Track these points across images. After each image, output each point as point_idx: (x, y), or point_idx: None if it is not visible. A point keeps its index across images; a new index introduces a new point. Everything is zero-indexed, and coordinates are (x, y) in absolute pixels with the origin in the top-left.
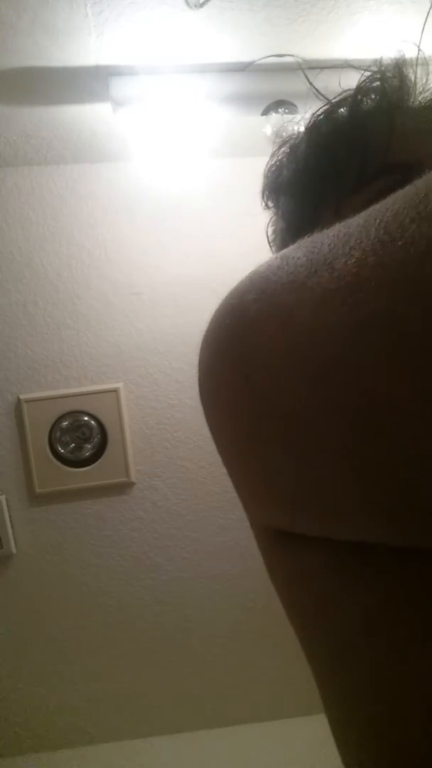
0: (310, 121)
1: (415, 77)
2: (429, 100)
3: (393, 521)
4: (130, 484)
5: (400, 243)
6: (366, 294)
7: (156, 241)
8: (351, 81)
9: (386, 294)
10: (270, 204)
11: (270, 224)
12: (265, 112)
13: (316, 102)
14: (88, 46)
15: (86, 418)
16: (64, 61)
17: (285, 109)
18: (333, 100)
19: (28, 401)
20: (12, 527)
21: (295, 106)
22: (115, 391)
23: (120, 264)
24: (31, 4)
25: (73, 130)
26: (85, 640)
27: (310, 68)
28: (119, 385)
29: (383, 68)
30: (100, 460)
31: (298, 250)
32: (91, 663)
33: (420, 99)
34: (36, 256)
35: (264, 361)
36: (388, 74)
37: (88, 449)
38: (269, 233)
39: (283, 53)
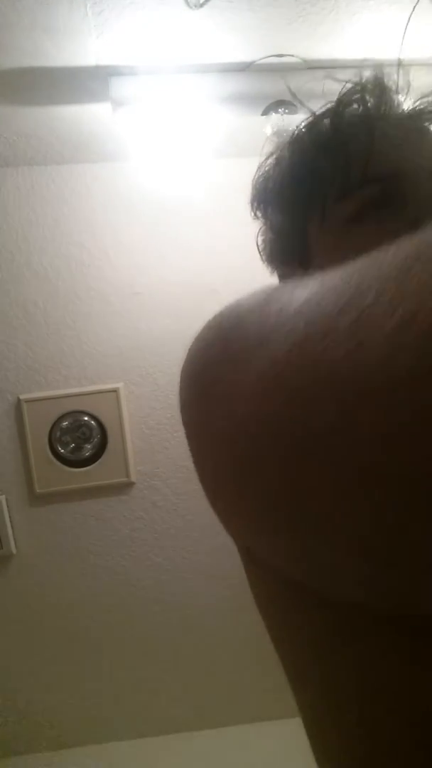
0: (294, 133)
1: (397, 86)
2: (410, 109)
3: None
4: (130, 484)
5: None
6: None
7: (156, 241)
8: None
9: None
10: (258, 214)
11: (259, 234)
12: (266, 112)
13: (316, 102)
14: (87, 46)
15: (86, 418)
16: (64, 61)
17: (285, 109)
18: (316, 112)
19: (28, 401)
20: (12, 527)
21: (295, 106)
22: (115, 391)
23: (120, 264)
24: (31, 4)
25: (73, 130)
26: (85, 640)
27: (310, 68)
28: (119, 385)
29: (364, 80)
30: (100, 460)
31: (266, 307)
32: (90, 663)
33: (401, 107)
34: (36, 256)
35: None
36: (369, 86)
37: (88, 449)
38: (259, 243)
39: (283, 53)
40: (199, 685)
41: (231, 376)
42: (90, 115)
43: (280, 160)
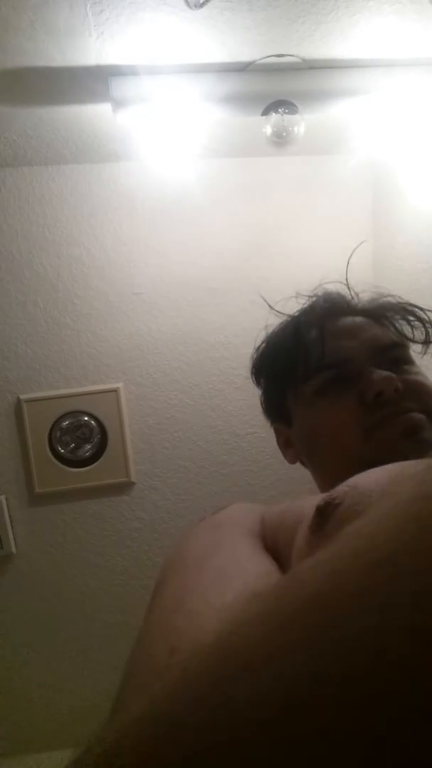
0: (271, 332)
1: (350, 289)
2: (361, 307)
3: None
4: (130, 484)
5: None
6: None
7: (156, 241)
8: (351, 81)
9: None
10: (255, 380)
11: (260, 396)
12: (265, 112)
13: (316, 103)
14: (88, 46)
15: (86, 418)
16: (65, 62)
17: (285, 109)
18: (285, 318)
19: (28, 401)
20: (12, 527)
21: (295, 106)
22: (115, 391)
23: (120, 264)
24: (31, 4)
25: (74, 130)
26: (85, 640)
27: (310, 68)
28: (119, 385)
29: (318, 295)
30: (100, 460)
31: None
32: (91, 663)
33: (352, 306)
34: (36, 256)
35: None
36: (321, 299)
37: (88, 449)
38: (261, 402)
39: (283, 53)
40: None
41: None
42: (90, 115)
43: (265, 347)
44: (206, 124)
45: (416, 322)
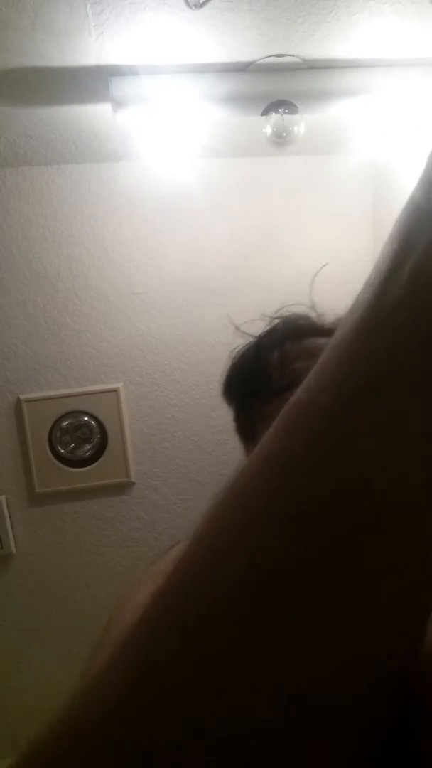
0: (235, 355)
1: (315, 309)
2: (326, 327)
3: None
4: (130, 484)
5: None
6: None
7: (156, 241)
8: (351, 81)
9: None
10: (227, 401)
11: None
12: (265, 112)
13: (316, 103)
14: (88, 46)
15: (86, 418)
16: (65, 61)
17: (285, 109)
18: (248, 342)
19: (28, 401)
20: (12, 527)
21: (295, 106)
22: (115, 391)
23: (120, 264)
24: (31, 4)
25: (74, 130)
26: (85, 640)
27: (310, 68)
28: (119, 385)
29: (282, 316)
30: (100, 460)
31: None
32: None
33: (315, 327)
34: (36, 256)
35: None
36: (283, 322)
37: (88, 449)
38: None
39: (283, 53)
40: None
41: None
42: (90, 115)
43: (231, 367)
44: (206, 124)
45: None
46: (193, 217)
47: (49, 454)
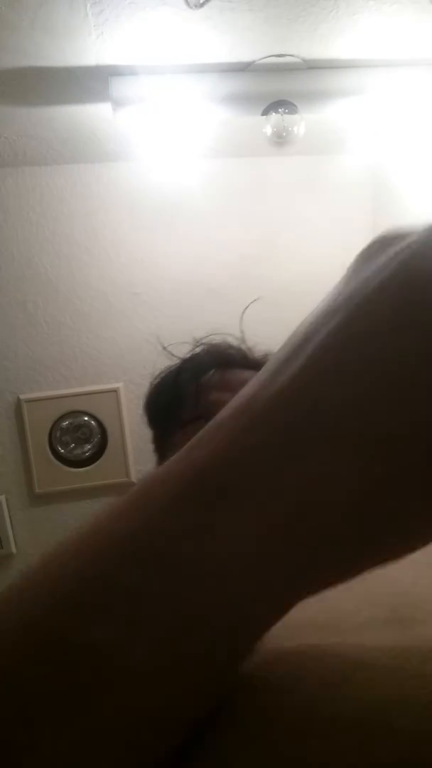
0: (155, 378)
1: (243, 341)
2: (251, 359)
3: None
4: (130, 484)
5: None
6: None
7: (156, 241)
8: (351, 81)
9: None
10: (147, 423)
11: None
12: (266, 112)
13: (316, 103)
14: (88, 46)
15: (86, 418)
16: (64, 61)
17: (285, 109)
18: (166, 370)
19: (28, 401)
20: (12, 527)
21: (295, 106)
22: (115, 391)
23: (120, 264)
24: (31, 4)
25: (74, 130)
26: None
27: (310, 68)
28: (119, 385)
29: (208, 344)
30: (100, 460)
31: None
32: None
33: (242, 357)
34: (36, 256)
35: None
36: (207, 350)
37: (88, 449)
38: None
39: (283, 53)
40: None
41: None
42: (90, 115)
43: (151, 390)
44: (206, 124)
45: None
46: (193, 217)
47: (49, 454)
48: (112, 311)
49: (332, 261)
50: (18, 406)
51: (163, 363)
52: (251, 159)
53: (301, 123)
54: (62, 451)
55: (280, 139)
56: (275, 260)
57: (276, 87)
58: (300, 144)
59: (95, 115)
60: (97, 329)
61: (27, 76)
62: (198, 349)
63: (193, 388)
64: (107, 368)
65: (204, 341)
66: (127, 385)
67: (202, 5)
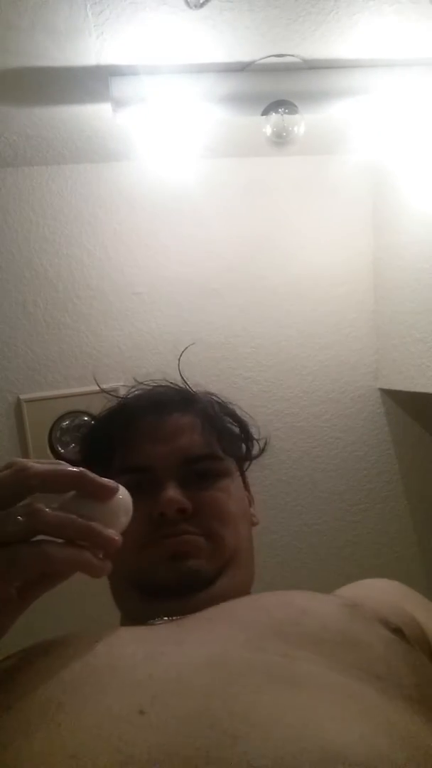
0: (81, 433)
1: (186, 384)
2: (192, 406)
3: None
4: None
5: None
6: None
7: (156, 241)
8: (351, 81)
9: None
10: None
11: None
12: (265, 112)
13: (316, 103)
14: (88, 46)
15: (86, 418)
16: (65, 61)
17: (285, 109)
18: (95, 420)
19: (28, 401)
20: None
21: (295, 106)
22: (115, 391)
23: (120, 264)
24: (31, 4)
25: (74, 130)
26: None
27: (310, 68)
28: (119, 385)
29: (147, 386)
30: None
31: None
32: None
33: (181, 402)
34: (36, 256)
35: None
36: (145, 395)
37: None
38: None
39: (283, 53)
40: None
41: None
42: (90, 115)
43: (86, 432)
44: (206, 124)
45: (239, 434)
46: (193, 217)
47: (49, 454)
48: (112, 311)
49: (332, 261)
50: (18, 406)
51: (163, 364)
52: (251, 159)
53: (301, 123)
54: (62, 451)
55: (280, 139)
56: (275, 260)
57: (276, 87)
58: (300, 144)
59: (95, 114)
60: (97, 329)
61: (27, 76)
62: (137, 392)
63: (124, 436)
64: (107, 368)
65: (144, 383)
66: (127, 385)
67: (202, 5)
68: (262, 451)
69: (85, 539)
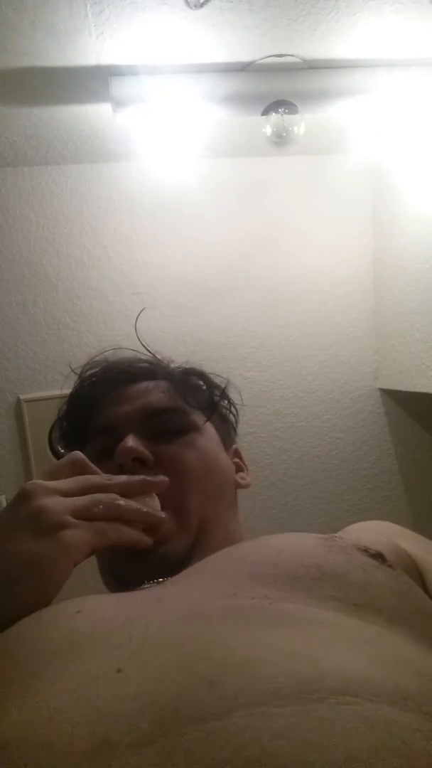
0: (61, 406)
1: (152, 354)
2: (157, 371)
3: None
4: None
5: None
6: None
7: (156, 241)
8: (351, 81)
9: None
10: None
11: None
12: (266, 112)
13: (316, 103)
14: (88, 46)
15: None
16: (65, 61)
17: (285, 109)
18: (71, 391)
19: (28, 401)
20: None
21: (295, 106)
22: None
23: (120, 264)
24: (31, 4)
25: (74, 130)
26: None
27: (310, 68)
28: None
29: (109, 360)
30: None
31: None
32: None
33: (144, 369)
34: (36, 256)
35: None
36: (109, 366)
37: None
38: None
39: (283, 53)
40: None
41: None
42: (90, 115)
43: (61, 410)
44: (206, 124)
45: (203, 386)
46: (193, 217)
47: (50, 454)
48: (112, 311)
49: (332, 261)
50: (18, 406)
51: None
52: (251, 159)
53: (301, 123)
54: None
55: (280, 139)
56: (275, 260)
57: (276, 87)
58: (300, 144)
59: (95, 115)
60: (97, 329)
61: (27, 76)
62: (101, 366)
63: (92, 402)
64: None
65: (103, 358)
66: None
67: (202, 5)
68: (231, 404)
69: (143, 522)
